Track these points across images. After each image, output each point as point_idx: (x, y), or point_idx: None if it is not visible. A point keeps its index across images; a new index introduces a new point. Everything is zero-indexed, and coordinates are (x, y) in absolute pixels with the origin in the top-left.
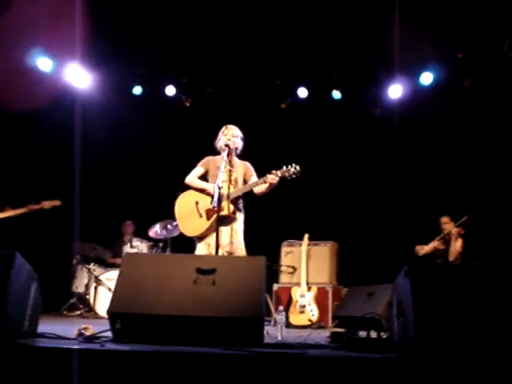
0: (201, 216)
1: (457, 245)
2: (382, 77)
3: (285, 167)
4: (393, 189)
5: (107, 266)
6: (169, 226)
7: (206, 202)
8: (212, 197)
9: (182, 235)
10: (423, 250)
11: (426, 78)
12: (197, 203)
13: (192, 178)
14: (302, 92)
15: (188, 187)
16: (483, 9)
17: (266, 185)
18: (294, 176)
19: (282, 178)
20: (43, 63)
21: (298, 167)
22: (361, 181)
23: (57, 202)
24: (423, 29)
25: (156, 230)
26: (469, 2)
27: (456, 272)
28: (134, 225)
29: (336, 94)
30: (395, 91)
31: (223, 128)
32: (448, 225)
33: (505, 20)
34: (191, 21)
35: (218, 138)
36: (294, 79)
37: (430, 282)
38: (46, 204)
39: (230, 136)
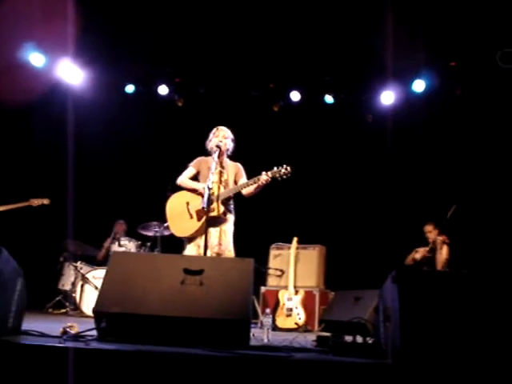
0: (191, 217)
1: (443, 252)
2: (375, 83)
3: (276, 168)
4: (382, 194)
5: (95, 264)
6: (158, 227)
7: (196, 203)
8: (203, 197)
9: (171, 235)
10: (409, 258)
11: (419, 86)
12: (188, 204)
13: (183, 179)
14: (295, 95)
15: (179, 188)
16: (476, 18)
17: (255, 185)
18: (284, 177)
19: (273, 179)
20: (35, 58)
21: (288, 168)
22: (351, 186)
23: (45, 201)
24: (416, 36)
25: (147, 229)
26: (462, 11)
27: (443, 279)
28: (125, 224)
29: (328, 99)
30: (387, 97)
31: (214, 129)
32: (432, 233)
33: (497, 30)
34: (186, 21)
35: (209, 139)
36: (287, 82)
37: (417, 289)
38: (35, 202)
39: (222, 137)
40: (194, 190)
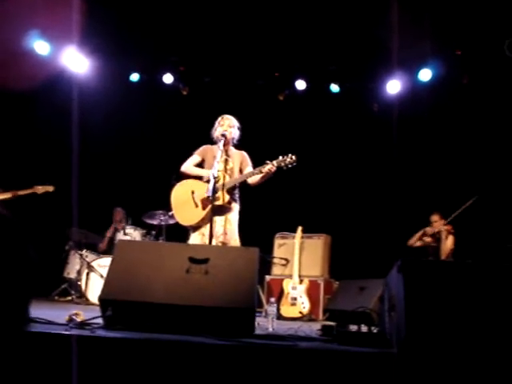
0: (196, 206)
1: (448, 242)
2: (381, 72)
3: (281, 157)
4: (388, 183)
5: (99, 253)
6: (163, 215)
7: (201, 192)
8: (208, 186)
9: (176, 224)
10: (412, 240)
11: (425, 75)
12: (193, 193)
13: (188, 166)
14: (300, 84)
15: (184, 176)
16: (483, 7)
17: (261, 174)
18: (289, 166)
19: (278, 168)
20: (40, 46)
21: (293, 157)
22: (356, 175)
23: (50, 188)
24: (422, 25)
25: (153, 217)
26: (469, 0)
27: (448, 268)
28: (123, 211)
29: (334, 88)
30: (393, 87)
31: (219, 118)
32: (438, 223)
33: (505, 19)
34: (191, 10)
35: (215, 127)
36: (293, 71)
37: (422, 278)
38: (39, 189)
39: (227, 126)
40: (199, 178)
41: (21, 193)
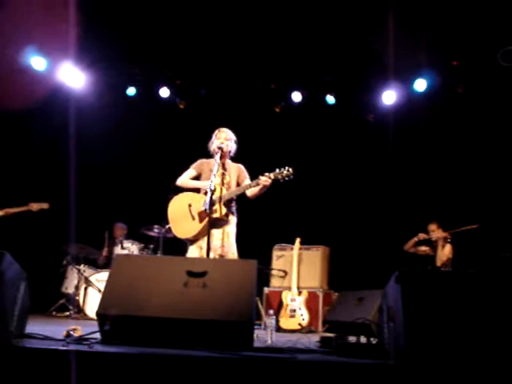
0: (193, 218)
1: (445, 251)
2: (376, 83)
3: (278, 169)
4: (385, 194)
5: (98, 267)
6: (160, 229)
7: (198, 205)
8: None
9: (174, 237)
10: (408, 245)
11: (420, 85)
12: (190, 206)
13: (184, 179)
14: (296, 96)
15: (181, 190)
16: (477, 17)
17: (259, 187)
18: (286, 178)
19: (275, 181)
20: (37, 62)
21: (290, 169)
22: (353, 186)
23: (45, 205)
24: (417, 35)
25: (150, 231)
26: (463, 10)
27: (447, 278)
28: (124, 226)
29: (330, 99)
30: (389, 97)
31: (216, 131)
32: (435, 232)
33: (499, 29)
34: (186, 23)
35: (211, 141)
36: (289, 83)
37: (420, 289)
38: (34, 206)
39: (223, 139)
40: (196, 190)
41: (14, 210)
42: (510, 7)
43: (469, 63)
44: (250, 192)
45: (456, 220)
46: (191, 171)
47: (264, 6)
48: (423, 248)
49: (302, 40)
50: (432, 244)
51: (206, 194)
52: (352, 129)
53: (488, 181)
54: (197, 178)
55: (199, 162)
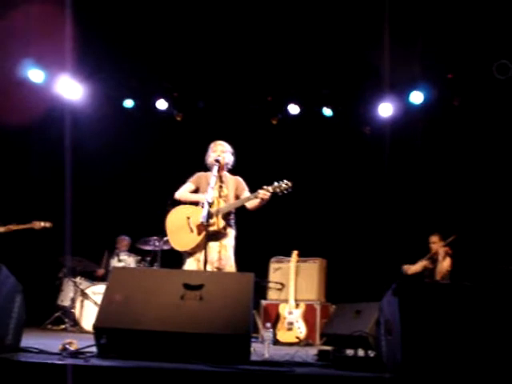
0: (191, 231)
1: (444, 264)
2: (373, 95)
3: (276, 183)
4: (382, 207)
5: (94, 279)
6: (158, 241)
7: (197, 217)
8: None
9: (171, 250)
10: (410, 269)
11: (416, 97)
12: (188, 218)
13: (183, 193)
14: (293, 108)
15: (179, 202)
16: (473, 31)
17: (258, 200)
18: (285, 192)
19: (274, 194)
20: (35, 74)
21: (289, 183)
22: (350, 198)
23: (48, 224)
24: (414, 49)
25: (147, 243)
26: (458, 24)
27: (444, 291)
28: (128, 239)
29: (327, 111)
30: (385, 110)
31: (212, 144)
32: (436, 244)
33: (494, 42)
34: (184, 35)
35: (208, 154)
36: (285, 95)
37: (417, 301)
38: (37, 224)
39: (220, 152)
40: (195, 203)
41: (16, 227)
42: (504, 21)
43: (464, 76)
44: (249, 204)
45: (452, 232)
46: (189, 185)
47: (261, 19)
48: (421, 263)
49: (299, 53)
50: (432, 257)
51: (203, 206)
52: (349, 141)
53: (485, 193)
54: (195, 191)
55: (197, 175)
